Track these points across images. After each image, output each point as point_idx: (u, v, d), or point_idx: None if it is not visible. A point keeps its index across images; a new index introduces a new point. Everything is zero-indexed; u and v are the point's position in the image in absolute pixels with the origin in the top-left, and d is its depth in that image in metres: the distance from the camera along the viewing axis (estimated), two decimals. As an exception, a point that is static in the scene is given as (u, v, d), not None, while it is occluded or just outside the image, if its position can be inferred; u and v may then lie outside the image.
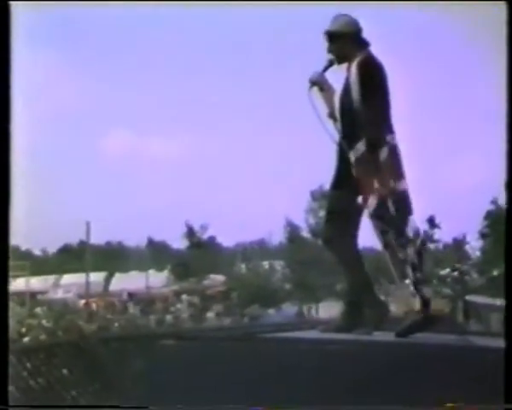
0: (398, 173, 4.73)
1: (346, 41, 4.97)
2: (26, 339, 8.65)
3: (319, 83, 5.05)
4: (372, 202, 4.68)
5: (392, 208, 4.64)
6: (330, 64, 5.07)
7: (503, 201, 42.59)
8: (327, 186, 5.35)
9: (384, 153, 4.69)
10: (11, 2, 4.17)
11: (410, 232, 4.71)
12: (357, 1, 5.23)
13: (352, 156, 4.79)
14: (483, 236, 38.85)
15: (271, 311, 39.23)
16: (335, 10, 5.07)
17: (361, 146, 4.76)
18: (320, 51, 5.10)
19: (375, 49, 4.95)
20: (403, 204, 4.71)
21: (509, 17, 4.26)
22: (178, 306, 33.43)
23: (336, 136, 4.95)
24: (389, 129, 4.80)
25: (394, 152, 4.76)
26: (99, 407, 4.21)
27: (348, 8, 5.08)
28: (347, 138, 4.86)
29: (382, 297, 5.00)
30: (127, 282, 38.64)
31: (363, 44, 4.97)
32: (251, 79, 64.26)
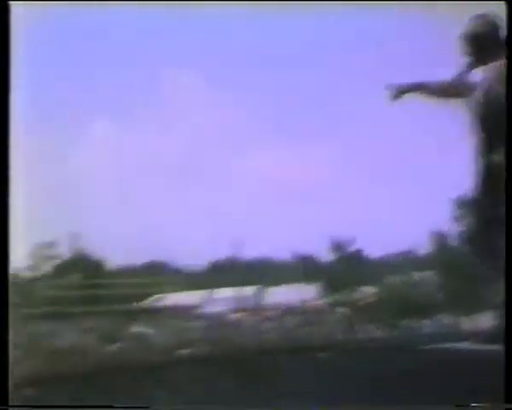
0: None
1: (484, 42, 4.89)
2: (185, 351, 8.98)
3: (458, 87, 4.99)
4: None
5: None
6: (470, 67, 5.00)
7: None
8: (471, 192, 5.32)
9: None
10: (11, 2, 4.25)
11: None
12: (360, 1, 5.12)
13: (494, 155, 4.73)
14: None
15: (425, 322, 38.35)
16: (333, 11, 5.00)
17: (499, 146, 4.69)
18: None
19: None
20: None
21: (509, 17, 4.13)
22: (332, 318, 33.34)
23: (480, 139, 4.90)
24: None
25: None
26: (99, 407, 4.28)
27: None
28: (490, 139, 4.79)
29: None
30: (280, 295, 38.91)
31: (502, 45, 4.86)
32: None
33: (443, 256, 43.77)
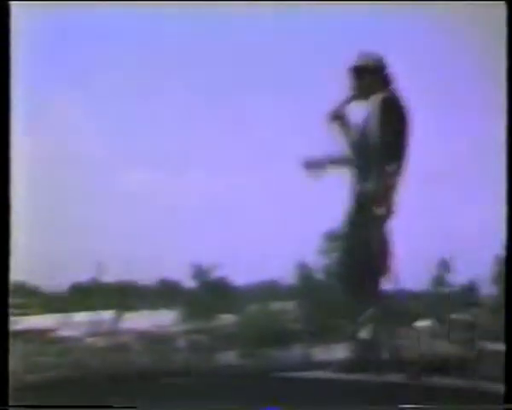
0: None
1: (370, 77, 4.95)
2: (31, 376, 8.57)
3: (339, 117, 5.03)
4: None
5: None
6: (352, 99, 5.06)
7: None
8: (340, 226, 5.31)
9: (394, 191, 4.66)
10: (11, 3, 4.18)
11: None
12: (361, 1, 5.20)
13: (365, 188, 4.76)
14: (495, 281, 38.52)
15: (282, 351, 38.94)
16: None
17: (371, 179, 4.73)
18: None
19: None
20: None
21: (508, 17, 4.22)
22: (187, 345, 33.32)
23: (353, 171, 4.91)
24: (401, 167, 4.76)
25: (397, 188, 4.72)
26: (99, 407, 4.15)
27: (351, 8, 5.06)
28: (362, 171, 4.83)
29: (394, 339, 4.92)
30: (137, 320, 38.53)
31: (387, 82, 4.95)
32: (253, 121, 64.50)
33: (306, 288, 44.44)
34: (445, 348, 4.58)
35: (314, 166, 5.09)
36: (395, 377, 4.55)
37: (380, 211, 4.67)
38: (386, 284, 4.84)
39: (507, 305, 4.11)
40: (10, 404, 3.97)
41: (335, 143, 5.01)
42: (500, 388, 4.70)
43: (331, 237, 45.54)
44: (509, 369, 3.76)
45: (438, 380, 4.47)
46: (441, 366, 4.58)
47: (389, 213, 4.68)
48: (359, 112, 5.02)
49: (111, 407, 4.04)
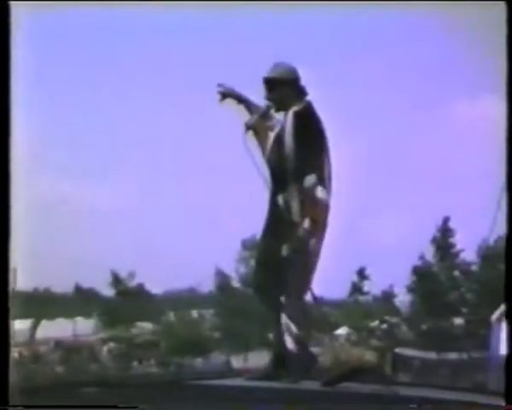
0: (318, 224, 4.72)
1: (284, 89, 4.96)
2: None
3: (255, 128, 5.02)
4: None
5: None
6: (267, 110, 5.05)
7: (430, 256, 42.59)
8: (258, 235, 5.30)
9: (310, 201, 4.69)
10: (11, 2, 4.12)
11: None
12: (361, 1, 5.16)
13: (281, 200, 4.78)
14: (411, 290, 39.22)
15: (199, 359, 38.92)
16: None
17: (286, 190, 4.76)
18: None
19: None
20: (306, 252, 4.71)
21: (508, 17, 4.25)
22: (104, 354, 32.90)
23: (269, 182, 4.92)
24: (320, 180, 4.77)
25: (319, 203, 4.75)
26: (98, 407, 4.08)
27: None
28: (278, 183, 4.84)
29: (311, 347, 4.95)
30: (54, 330, 37.86)
31: (301, 94, 4.96)
32: (176, 123, 64.59)
33: (223, 296, 44.66)
34: (361, 354, 4.62)
35: (229, 95, 5.07)
36: (312, 384, 4.58)
37: (299, 223, 4.70)
38: (303, 293, 4.88)
39: (507, 305, 4.16)
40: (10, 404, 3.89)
41: (252, 154, 5.00)
42: (418, 391, 4.78)
43: (249, 245, 45.19)
44: (510, 369, 3.81)
45: (354, 386, 4.52)
46: (358, 372, 4.63)
47: (310, 225, 4.70)
48: (276, 123, 5.01)
49: (111, 406, 3.98)
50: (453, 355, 35.20)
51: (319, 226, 4.75)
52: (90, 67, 63.81)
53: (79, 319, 40.83)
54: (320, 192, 4.73)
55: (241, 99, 5.12)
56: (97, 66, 63.31)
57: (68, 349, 33.51)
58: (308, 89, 5.02)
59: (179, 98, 63.66)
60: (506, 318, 4.17)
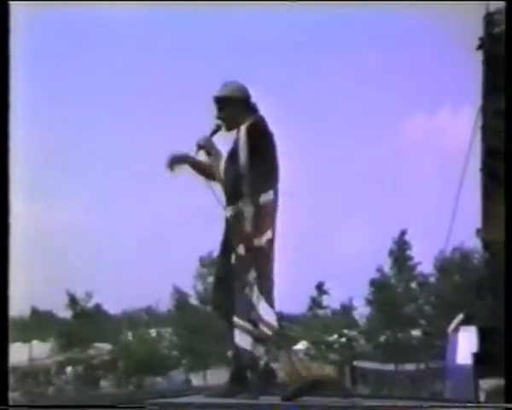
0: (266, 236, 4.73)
1: (234, 107, 4.98)
2: None
3: (206, 147, 5.02)
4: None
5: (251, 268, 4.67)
6: (218, 129, 5.05)
7: (387, 269, 42.84)
8: (216, 252, 5.29)
9: (264, 216, 4.71)
10: (11, 2, 4.10)
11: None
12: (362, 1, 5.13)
13: (237, 216, 4.79)
14: (369, 303, 39.38)
15: (159, 378, 38.66)
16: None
17: (242, 206, 4.77)
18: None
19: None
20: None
21: (508, 17, 4.24)
22: (62, 377, 32.51)
23: (223, 200, 4.92)
24: (275, 193, 4.80)
25: (271, 214, 4.77)
26: (99, 407, 4.01)
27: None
28: (233, 199, 4.85)
29: (270, 362, 4.94)
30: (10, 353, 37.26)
31: (252, 110, 4.98)
32: (134, 142, 64.36)
33: (182, 314, 44.37)
34: (320, 368, 4.64)
35: (177, 161, 5.06)
36: (271, 399, 4.57)
37: (255, 239, 4.71)
38: (262, 309, 4.87)
39: (507, 305, 4.19)
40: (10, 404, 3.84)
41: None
42: (377, 403, 4.82)
43: (206, 262, 44.89)
44: (509, 369, 3.81)
45: (314, 400, 4.52)
46: (317, 386, 4.64)
47: (266, 240, 4.71)
48: (228, 141, 5.03)
49: (113, 406, 3.92)
50: (411, 366, 35.45)
51: (272, 239, 4.77)
52: (90, 66, 63.62)
53: (35, 342, 40.33)
54: (274, 206, 4.76)
55: (194, 163, 5.12)
56: (97, 64, 63.09)
57: (24, 374, 33.03)
58: (258, 106, 5.05)
59: (129, 110, 63.54)
60: (506, 316, 4.18)
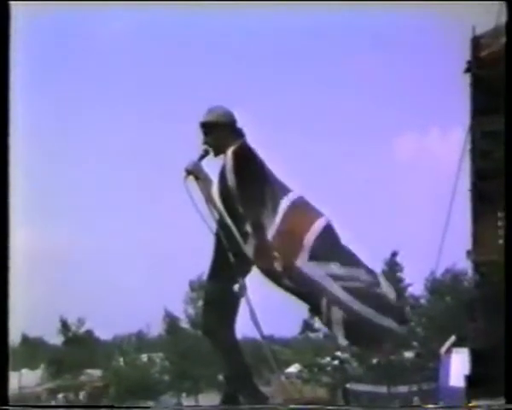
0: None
1: (220, 132, 5.02)
2: None
3: (195, 172, 5.04)
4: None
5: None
6: (205, 154, 5.08)
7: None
8: (205, 275, 5.29)
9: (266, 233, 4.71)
10: (11, 2, 4.12)
11: None
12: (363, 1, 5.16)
13: (226, 239, 4.79)
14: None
15: (150, 403, 38.38)
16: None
17: (235, 230, 4.78)
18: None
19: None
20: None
21: (509, 17, 4.26)
22: (53, 404, 32.33)
23: (213, 225, 4.93)
24: (271, 210, 4.82)
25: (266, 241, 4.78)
26: (99, 407, 4.01)
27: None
28: (222, 222, 4.86)
29: (262, 386, 4.93)
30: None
31: (238, 135, 5.01)
32: (123, 168, 64.28)
33: (173, 339, 44.29)
34: (312, 391, 4.63)
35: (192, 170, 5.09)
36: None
37: (247, 264, 4.73)
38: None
39: (507, 305, 4.19)
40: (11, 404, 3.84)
41: (193, 198, 5.03)
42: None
43: (196, 286, 44.67)
44: (509, 369, 3.81)
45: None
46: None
47: (264, 265, 4.73)
48: (216, 167, 5.06)
49: (112, 406, 3.91)
50: (403, 388, 35.37)
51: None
52: (89, 66, 63.76)
53: (25, 371, 40.08)
54: (266, 229, 4.77)
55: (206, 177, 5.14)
56: (96, 63, 63.14)
57: (14, 402, 32.72)
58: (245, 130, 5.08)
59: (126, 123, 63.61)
60: (506, 316, 4.18)
